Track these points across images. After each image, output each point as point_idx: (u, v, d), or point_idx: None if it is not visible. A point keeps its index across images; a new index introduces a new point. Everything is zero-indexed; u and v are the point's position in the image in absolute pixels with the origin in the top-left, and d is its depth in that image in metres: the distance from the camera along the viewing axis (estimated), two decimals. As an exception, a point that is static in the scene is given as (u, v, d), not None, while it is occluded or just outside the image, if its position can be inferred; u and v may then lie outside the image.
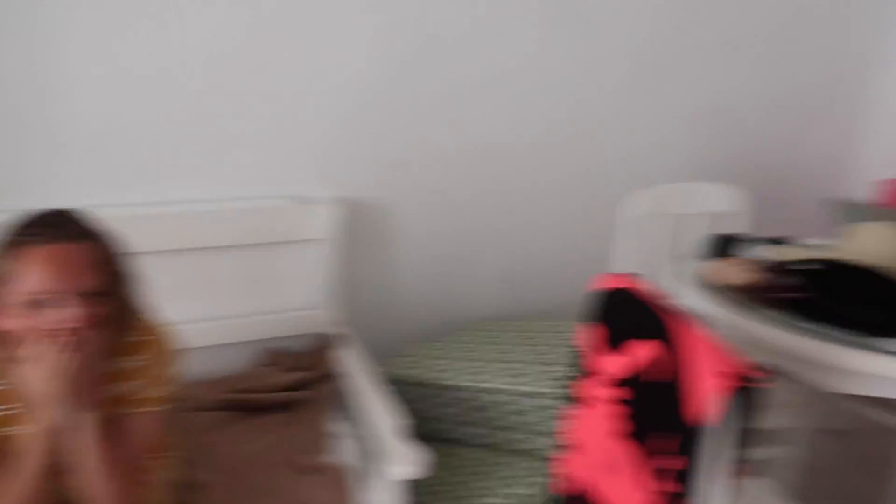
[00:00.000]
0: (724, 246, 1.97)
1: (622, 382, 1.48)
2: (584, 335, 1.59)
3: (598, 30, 2.35)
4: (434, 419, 1.92)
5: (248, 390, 1.86)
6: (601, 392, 1.54)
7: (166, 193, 1.99)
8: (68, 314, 1.13)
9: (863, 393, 1.51)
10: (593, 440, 1.54)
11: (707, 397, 1.23)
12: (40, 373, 1.13)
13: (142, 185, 1.95)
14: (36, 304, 1.12)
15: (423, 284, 2.36)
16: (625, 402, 1.48)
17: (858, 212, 2.20)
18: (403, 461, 1.40)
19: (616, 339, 1.52)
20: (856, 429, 2.36)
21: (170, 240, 1.89)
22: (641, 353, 1.42)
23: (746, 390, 1.19)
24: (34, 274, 1.11)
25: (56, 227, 1.15)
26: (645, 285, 1.51)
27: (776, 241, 2.03)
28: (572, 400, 1.61)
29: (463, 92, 2.23)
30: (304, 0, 1.97)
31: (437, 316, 2.40)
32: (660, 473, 1.34)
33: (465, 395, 1.86)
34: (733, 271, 1.77)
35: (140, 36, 1.84)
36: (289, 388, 1.88)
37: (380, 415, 1.59)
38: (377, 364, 1.91)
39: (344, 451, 1.65)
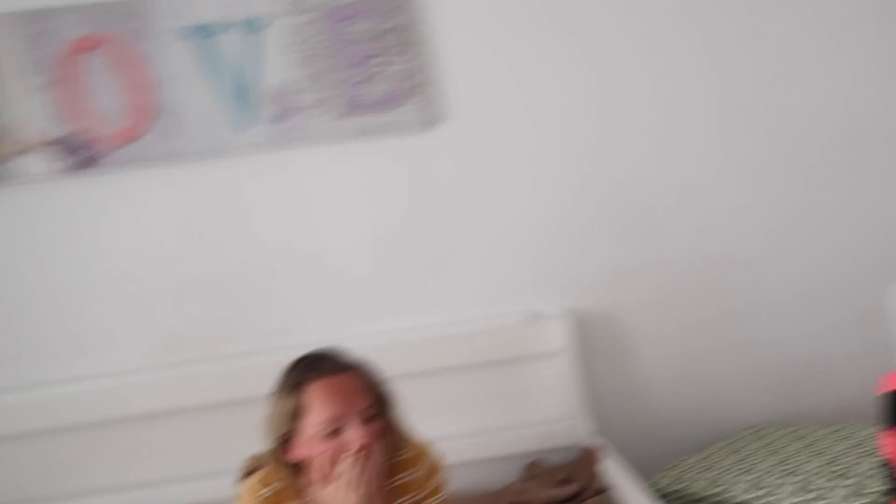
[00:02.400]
0: None
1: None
2: (887, 444, 1.38)
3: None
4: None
5: (517, 503, 1.85)
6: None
7: (403, 322, 2.14)
8: (356, 434, 1.25)
9: None
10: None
11: None
12: (345, 488, 1.24)
13: (386, 316, 2.13)
14: (329, 430, 1.25)
15: (671, 391, 2.23)
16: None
17: None
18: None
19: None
20: None
21: (417, 363, 2.02)
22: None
23: None
24: (324, 404, 1.25)
25: (329, 363, 1.30)
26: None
27: None
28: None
29: (689, 197, 2.19)
30: (524, 123, 2.11)
31: (693, 424, 2.22)
32: None
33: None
34: None
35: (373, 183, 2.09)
36: (559, 501, 1.84)
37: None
38: (640, 476, 1.80)
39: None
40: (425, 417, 1.46)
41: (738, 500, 1.70)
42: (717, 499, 1.71)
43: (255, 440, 1.41)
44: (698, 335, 2.22)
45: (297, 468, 1.31)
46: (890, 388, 1.38)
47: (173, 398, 2.02)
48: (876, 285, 2.23)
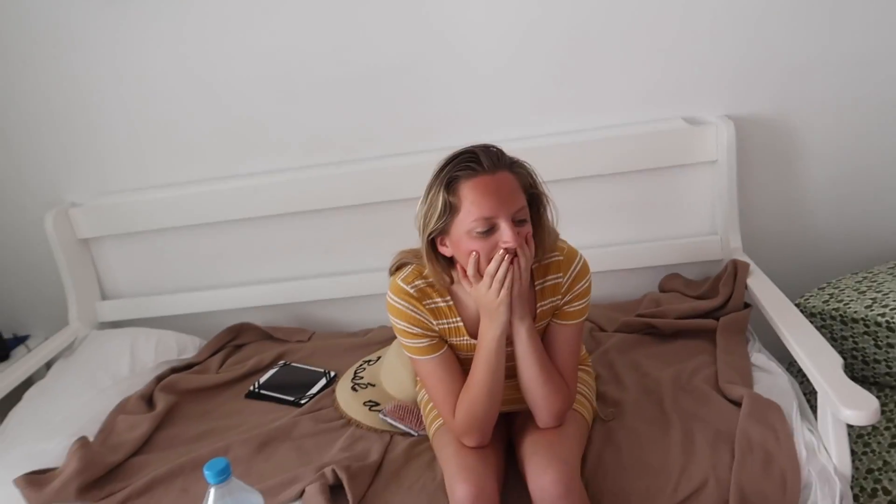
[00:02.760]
0: None
1: None
2: None
3: None
4: (868, 361, 1.67)
5: (652, 315, 1.85)
6: None
7: (551, 125, 2.05)
8: (507, 236, 1.23)
9: None
10: None
11: None
12: (490, 287, 1.26)
13: (536, 117, 2.04)
14: (480, 229, 1.23)
15: (834, 209, 2.05)
16: None
17: None
18: (854, 405, 1.24)
19: None
20: None
21: (562, 169, 1.95)
22: None
23: None
24: (476, 203, 1.22)
25: (485, 160, 1.24)
26: None
27: None
28: None
29: None
30: None
31: (853, 245, 2.07)
32: None
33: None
34: None
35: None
36: (697, 315, 1.82)
37: (813, 351, 1.43)
38: (788, 295, 1.73)
39: (768, 386, 1.53)
40: (568, 224, 1.42)
41: (897, 323, 1.60)
42: (879, 320, 1.62)
43: (398, 239, 1.46)
44: (877, 148, 1.98)
45: (446, 264, 1.34)
46: None
47: (321, 197, 2.11)
48: None
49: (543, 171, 1.33)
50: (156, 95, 2.13)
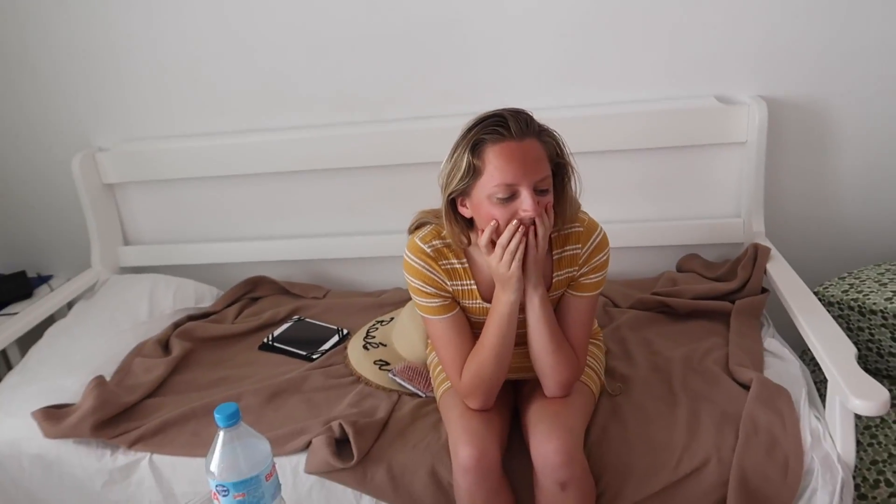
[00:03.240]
0: None
1: None
2: None
3: None
4: (884, 353, 1.66)
5: (668, 294, 1.85)
6: None
7: (580, 97, 2.01)
8: (527, 204, 1.22)
9: None
10: None
11: None
12: (507, 254, 1.26)
13: (564, 88, 2.01)
14: (501, 195, 1.22)
15: (863, 197, 2.00)
16: None
17: None
18: (864, 395, 1.23)
19: None
20: None
21: (587, 141, 1.93)
22: None
23: None
24: (500, 168, 1.21)
25: (517, 126, 1.22)
26: None
27: None
28: None
29: None
30: None
31: (879, 236, 2.02)
32: None
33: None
34: None
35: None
36: (713, 297, 1.81)
37: (827, 339, 1.42)
38: (807, 283, 1.71)
39: (779, 371, 1.53)
40: (591, 198, 1.41)
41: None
42: (895, 313, 1.60)
43: (419, 202, 1.46)
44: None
45: (465, 225, 1.34)
46: None
47: (345, 156, 2.11)
48: None
49: (569, 143, 1.32)
50: (188, 44, 2.13)
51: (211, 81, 2.16)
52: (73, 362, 1.84)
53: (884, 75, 1.88)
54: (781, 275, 1.74)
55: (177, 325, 2.02)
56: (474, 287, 1.37)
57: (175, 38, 2.13)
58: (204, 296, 2.23)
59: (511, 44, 1.99)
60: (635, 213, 2.05)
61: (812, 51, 1.88)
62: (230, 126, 2.21)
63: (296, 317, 2.05)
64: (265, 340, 1.94)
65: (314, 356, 1.84)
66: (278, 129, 2.18)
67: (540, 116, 1.29)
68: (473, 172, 1.24)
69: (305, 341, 1.92)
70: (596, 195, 1.46)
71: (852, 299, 1.68)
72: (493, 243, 1.27)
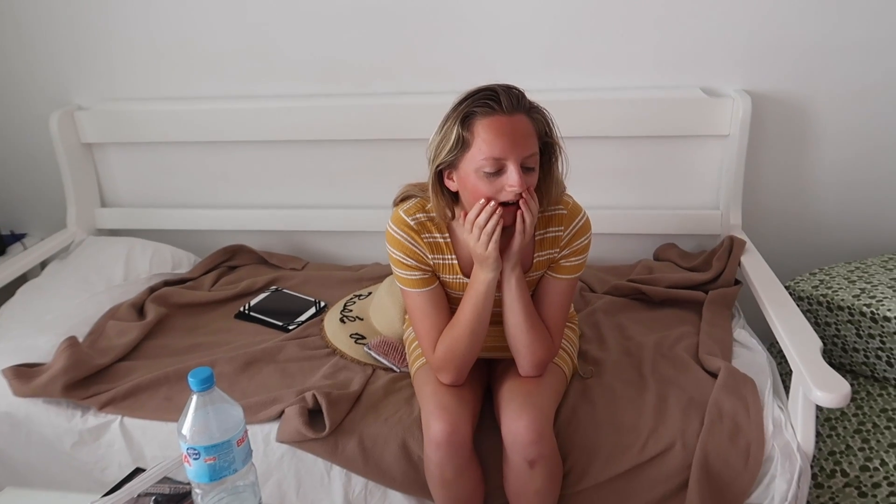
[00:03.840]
0: None
1: None
2: None
3: None
4: (848, 349, 1.70)
5: (643, 281, 1.87)
6: None
7: (565, 80, 2.01)
8: (513, 179, 1.22)
9: None
10: None
11: None
12: (484, 235, 1.26)
13: (552, 71, 2.01)
14: (487, 169, 1.23)
15: (839, 196, 2.04)
16: None
17: None
18: (825, 387, 1.27)
19: None
20: None
21: (570, 125, 1.89)
22: None
23: None
24: (488, 142, 1.21)
25: (508, 101, 1.22)
26: None
27: None
28: None
29: None
30: None
31: (853, 234, 2.07)
32: None
33: (893, 328, 1.59)
34: None
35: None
36: (687, 286, 1.84)
37: (794, 332, 1.45)
38: (779, 277, 1.74)
39: (747, 362, 1.56)
40: (573, 182, 1.42)
41: (886, 314, 1.61)
42: (863, 311, 1.64)
43: (402, 178, 1.46)
44: (892, 139, 1.97)
45: (450, 199, 1.34)
46: None
47: (329, 128, 2.10)
48: None
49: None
50: (177, 5, 2.09)
51: (198, 44, 2.13)
52: (45, 322, 1.82)
53: (866, 75, 1.90)
54: (755, 268, 1.78)
55: (152, 289, 2.01)
56: (455, 262, 1.38)
57: (162, -2, 2.09)
58: (181, 261, 2.21)
59: (503, 23, 1.98)
60: (615, 200, 2.07)
61: (798, 47, 1.90)
62: (215, 91, 2.18)
63: (273, 287, 2.05)
64: (241, 309, 1.94)
65: (290, 327, 1.85)
66: (264, 96, 2.15)
67: (529, 97, 1.29)
68: (462, 145, 1.24)
69: (282, 312, 1.92)
70: (578, 180, 1.46)
71: (822, 295, 1.72)
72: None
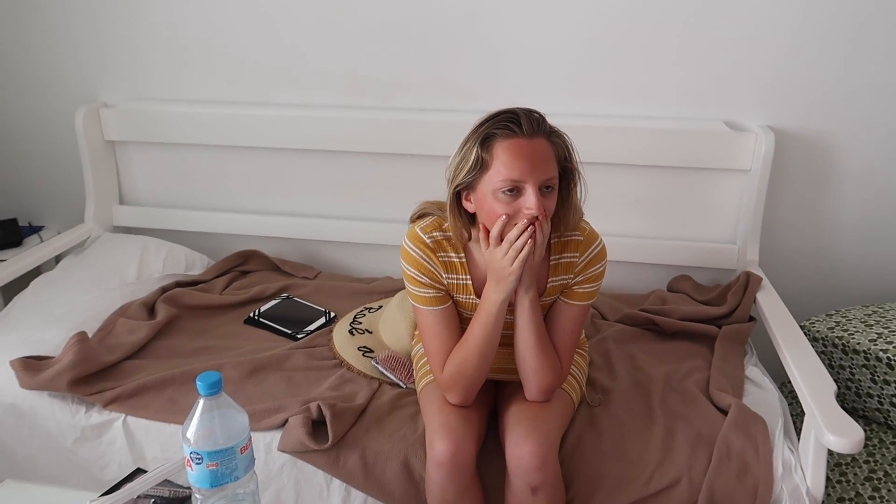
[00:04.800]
0: None
1: None
2: None
3: None
4: (863, 394, 1.67)
5: (656, 312, 1.85)
6: None
7: (589, 106, 2.01)
8: (531, 202, 1.22)
9: None
10: None
11: None
12: (505, 253, 1.25)
13: (576, 96, 2.01)
14: (507, 191, 1.22)
15: (860, 237, 2.02)
16: None
17: None
18: (838, 432, 1.24)
19: None
20: None
21: (591, 152, 1.89)
22: None
23: None
24: (507, 164, 1.21)
25: (528, 124, 1.23)
26: None
27: None
28: None
29: None
30: None
31: (872, 277, 2.04)
32: None
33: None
34: None
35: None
36: (700, 319, 1.82)
37: (808, 373, 1.43)
38: (795, 316, 1.72)
39: (757, 400, 1.54)
40: (592, 208, 1.42)
41: (899, 362, 1.59)
42: (880, 356, 1.61)
43: (420, 194, 1.46)
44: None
45: (467, 220, 1.34)
46: None
47: (351, 139, 2.11)
48: None
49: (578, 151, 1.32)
50: (206, 9, 2.11)
51: (225, 49, 2.15)
52: (56, 315, 1.83)
53: (889, 117, 1.89)
54: (770, 305, 1.76)
55: (164, 289, 2.01)
56: (469, 282, 1.38)
57: (194, 1, 2.11)
58: (194, 263, 2.22)
59: (530, 45, 1.99)
60: (632, 228, 2.06)
61: (823, 86, 1.89)
62: (239, 96, 2.20)
63: (284, 294, 2.05)
64: (251, 315, 1.94)
65: (299, 336, 1.84)
66: (287, 104, 2.17)
67: (550, 121, 1.29)
68: (481, 166, 1.24)
69: (292, 320, 1.91)
70: (596, 206, 1.46)
71: (837, 337, 1.70)
72: (499, 238, 1.27)
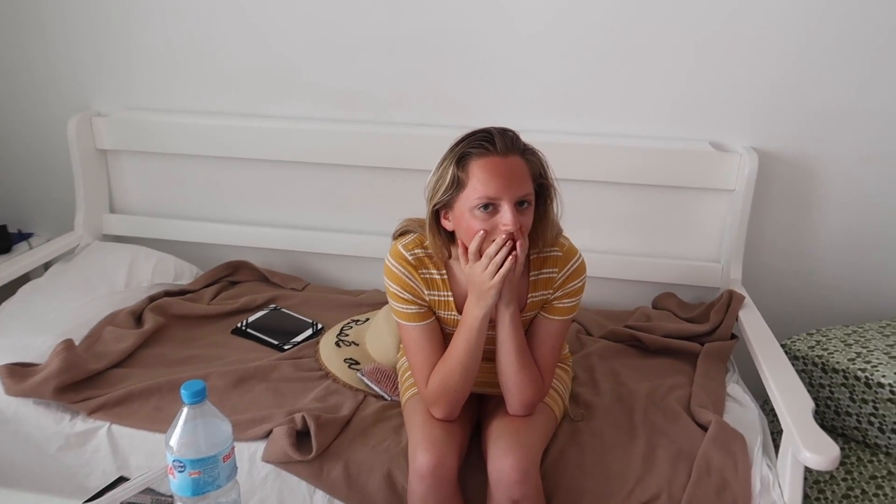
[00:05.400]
0: None
1: None
2: None
3: None
4: (841, 412, 1.70)
5: (640, 328, 1.88)
6: None
7: (577, 123, 2.05)
8: (508, 219, 1.24)
9: None
10: None
11: None
12: (484, 268, 1.27)
13: (565, 115, 2.04)
14: (482, 208, 1.25)
15: (843, 258, 2.05)
16: None
17: None
18: (815, 449, 1.26)
19: None
20: None
21: (578, 169, 1.96)
22: None
23: None
24: (485, 181, 1.24)
25: (502, 142, 1.26)
26: None
27: None
28: None
29: None
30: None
31: (852, 297, 2.08)
32: None
33: (890, 395, 1.59)
34: None
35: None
36: (684, 337, 1.84)
37: (787, 391, 1.45)
38: (776, 335, 1.74)
39: (738, 417, 1.56)
40: (575, 225, 1.44)
41: (880, 381, 1.61)
42: (857, 375, 1.64)
43: (408, 207, 1.48)
44: (894, 206, 1.99)
45: (447, 238, 1.36)
46: None
47: (342, 153, 2.13)
48: None
49: (562, 168, 1.35)
50: (200, 20, 2.14)
51: (218, 60, 2.18)
52: (43, 322, 1.83)
53: (872, 142, 1.93)
54: (752, 324, 1.78)
55: (152, 298, 2.02)
56: (450, 298, 1.39)
57: (188, 12, 2.14)
58: (183, 273, 2.23)
59: (521, 63, 2.02)
60: (619, 245, 2.09)
61: (808, 109, 1.93)
62: (231, 107, 2.22)
63: (272, 305, 2.06)
64: (239, 325, 1.94)
65: (286, 347, 1.85)
66: (279, 116, 2.19)
67: (538, 139, 1.32)
68: (458, 185, 1.27)
69: (279, 331, 1.92)
70: (583, 223, 1.49)
71: (817, 356, 1.73)
72: (478, 253, 1.29)
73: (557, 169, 1.34)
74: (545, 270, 1.39)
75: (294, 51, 2.12)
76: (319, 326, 1.96)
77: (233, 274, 2.25)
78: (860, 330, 1.84)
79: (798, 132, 1.97)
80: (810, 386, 1.74)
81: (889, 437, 1.63)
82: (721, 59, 1.93)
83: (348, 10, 2.05)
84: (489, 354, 1.39)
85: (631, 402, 1.61)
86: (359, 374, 1.68)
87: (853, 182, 1.98)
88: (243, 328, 1.93)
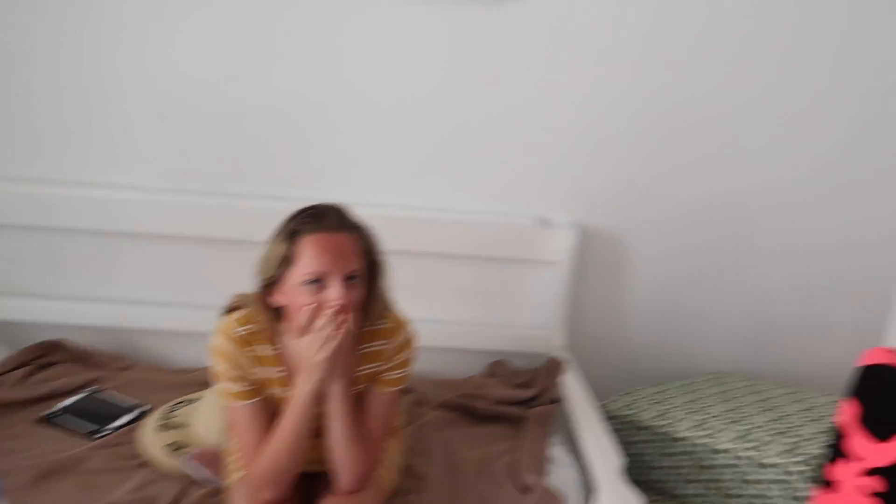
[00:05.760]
0: None
1: (878, 471, 1.32)
2: (843, 413, 1.44)
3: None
4: (650, 467, 1.85)
5: (473, 396, 1.94)
6: (853, 479, 1.38)
7: (415, 198, 2.13)
8: (337, 293, 1.28)
9: None
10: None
11: None
12: (313, 342, 1.29)
13: (395, 188, 2.12)
14: (311, 283, 1.28)
15: (652, 323, 2.27)
16: (879, 494, 1.32)
17: None
18: (619, 502, 1.37)
19: (878, 423, 1.36)
20: None
21: (414, 242, 2.04)
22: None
23: None
24: (312, 258, 1.28)
25: (329, 219, 1.31)
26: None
27: None
28: (819, 482, 1.46)
29: (712, 131, 2.10)
30: (565, 31, 2.01)
31: (662, 358, 2.29)
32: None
33: (688, 448, 1.76)
34: None
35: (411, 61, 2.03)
36: (514, 402, 1.92)
37: (599, 450, 1.57)
38: (595, 396, 1.88)
39: (562, 478, 1.64)
40: (410, 297, 1.49)
41: (679, 435, 1.79)
42: (661, 430, 1.80)
43: (244, 281, 1.46)
44: (696, 271, 2.24)
45: (277, 313, 1.36)
46: (869, 361, 1.42)
47: (176, 224, 2.06)
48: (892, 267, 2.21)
49: (400, 241, 1.41)
50: (25, 80, 2.00)
51: (40, 120, 2.03)
52: None
53: (669, 217, 2.18)
54: (572, 387, 1.91)
55: (-54, 386, 1.80)
56: (282, 375, 1.38)
57: (6, 68, 2.00)
58: (-14, 355, 2.01)
59: (366, 138, 2.07)
60: (451, 316, 2.16)
61: (623, 190, 2.15)
62: (51, 173, 2.07)
63: (92, 387, 1.91)
64: (49, 412, 1.78)
65: (101, 433, 1.72)
66: (103, 184, 2.07)
67: (379, 213, 1.37)
68: (288, 260, 1.29)
69: (96, 416, 1.79)
70: (419, 294, 1.55)
71: (628, 415, 1.88)
72: (307, 328, 1.29)
73: (395, 241, 1.40)
74: (375, 343, 1.42)
75: (125, 116, 2.03)
76: (145, 408, 1.84)
77: (46, 355, 2.06)
78: (664, 389, 2.03)
79: (611, 209, 2.18)
80: (627, 443, 1.87)
81: (685, 488, 1.79)
82: (545, 142, 2.10)
83: (188, 78, 2.02)
84: (320, 430, 1.38)
85: (462, 471, 1.65)
86: (183, 460, 1.59)
87: (656, 253, 2.21)
88: (54, 415, 1.77)
